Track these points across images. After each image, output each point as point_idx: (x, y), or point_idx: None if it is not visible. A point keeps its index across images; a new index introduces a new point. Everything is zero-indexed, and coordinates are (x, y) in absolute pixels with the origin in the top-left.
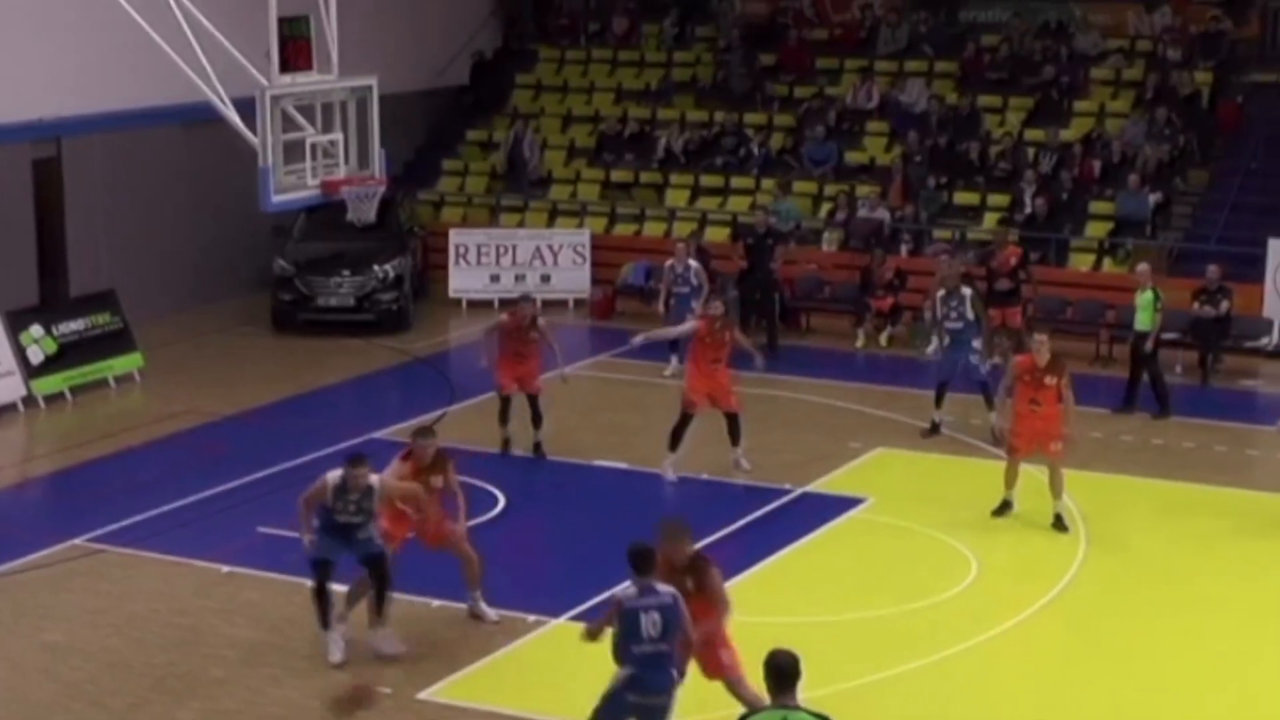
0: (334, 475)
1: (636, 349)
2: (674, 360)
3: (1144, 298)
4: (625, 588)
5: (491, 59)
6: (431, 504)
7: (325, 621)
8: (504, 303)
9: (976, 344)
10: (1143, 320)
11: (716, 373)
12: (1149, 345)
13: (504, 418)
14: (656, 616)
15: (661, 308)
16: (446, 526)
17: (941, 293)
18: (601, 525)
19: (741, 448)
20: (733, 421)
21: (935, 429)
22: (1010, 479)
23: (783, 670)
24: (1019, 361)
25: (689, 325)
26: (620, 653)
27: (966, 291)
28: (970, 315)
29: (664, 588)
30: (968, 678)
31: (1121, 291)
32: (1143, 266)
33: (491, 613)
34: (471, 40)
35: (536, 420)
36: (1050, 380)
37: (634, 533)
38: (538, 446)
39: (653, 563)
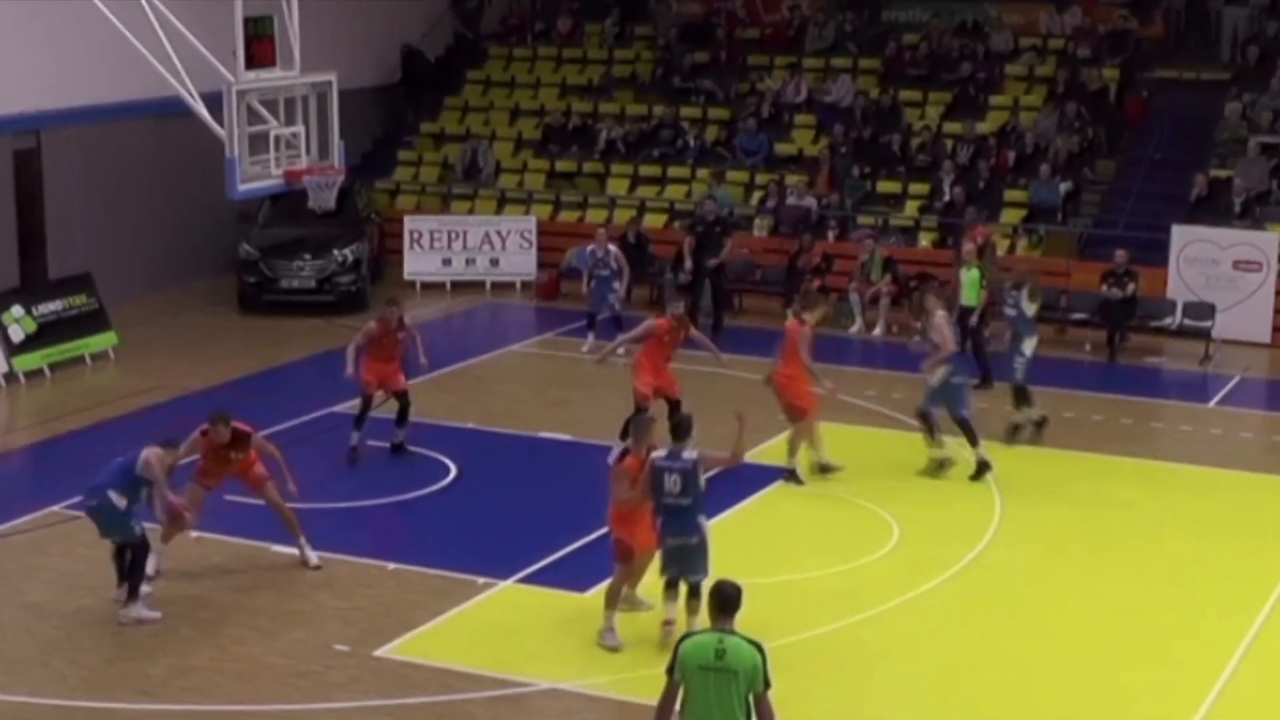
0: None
1: (607, 353)
2: (590, 337)
3: (970, 275)
4: (659, 451)
5: (442, 55)
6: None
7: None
8: (455, 285)
9: (1027, 348)
10: (969, 296)
11: (665, 369)
12: (974, 319)
13: (360, 422)
14: (678, 477)
15: (585, 287)
16: (257, 471)
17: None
18: (546, 493)
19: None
20: (674, 409)
21: (1043, 423)
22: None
23: (726, 598)
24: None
25: (650, 323)
26: (655, 504)
27: (1028, 283)
28: (1026, 305)
29: (688, 454)
30: (891, 636)
31: (1046, 275)
32: (968, 246)
33: (314, 557)
34: (425, 39)
35: (402, 418)
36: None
37: (576, 499)
38: (399, 447)
39: (688, 431)
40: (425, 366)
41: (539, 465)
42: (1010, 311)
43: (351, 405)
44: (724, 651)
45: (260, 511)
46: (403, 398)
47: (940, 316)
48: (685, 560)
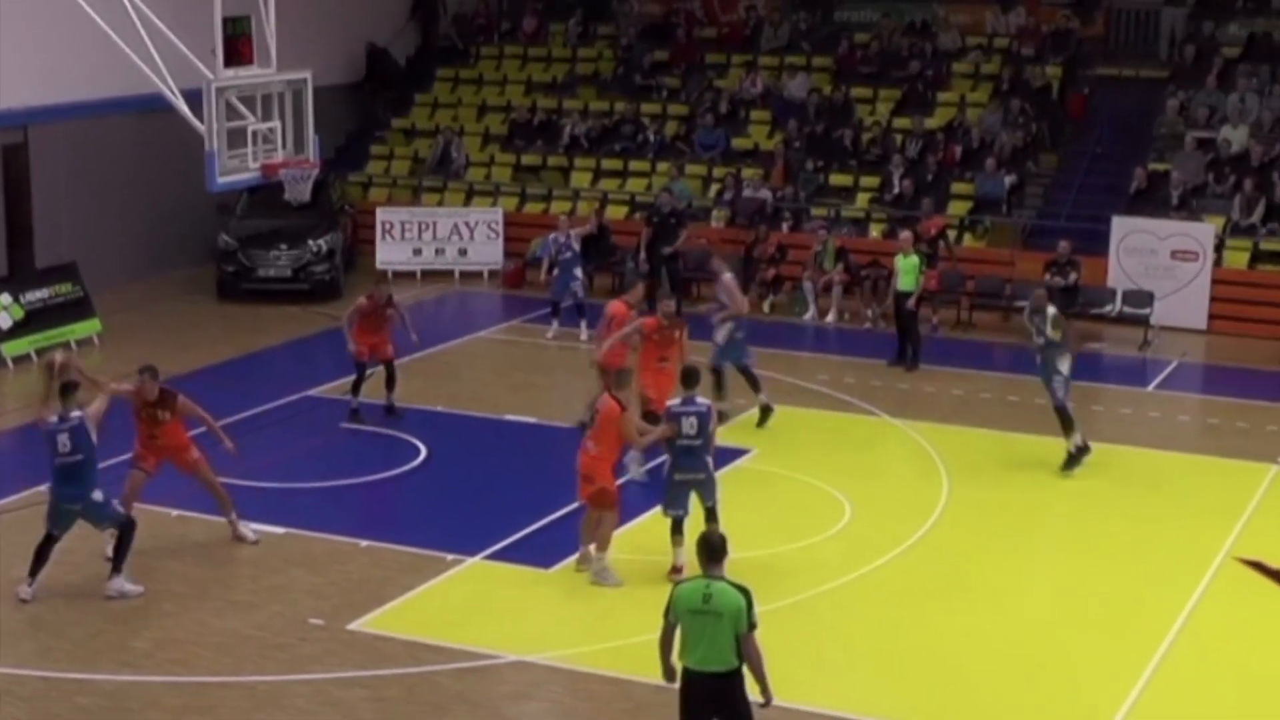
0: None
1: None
2: (554, 324)
3: (907, 262)
4: (674, 400)
5: (412, 54)
6: (165, 433)
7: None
8: (425, 274)
9: (1063, 367)
10: (906, 282)
11: (665, 371)
12: (911, 304)
13: (357, 388)
14: (694, 419)
15: (544, 275)
16: (188, 456)
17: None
18: (512, 473)
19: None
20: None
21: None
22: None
23: (712, 546)
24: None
25: (637, 322)
26: (670, 445)
27: (1051, 310)
28: (1051, 333)
29: (702, 400)
30: (842, 610)
31: (978, 264)
32: (905, 234)
33: (250, 532)
34: (396, 39)
35: (390, 383)
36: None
37: (541, 479)
38: (390, 409)
39: (698, 380)
40: (416, 344)
41: (505, 447)
42: (1039, 339)
43: (331, 387)
44: (710, 596)
45: (239, 492)
46: (389, 365)
47: (727, 278)
48: (700, 490)
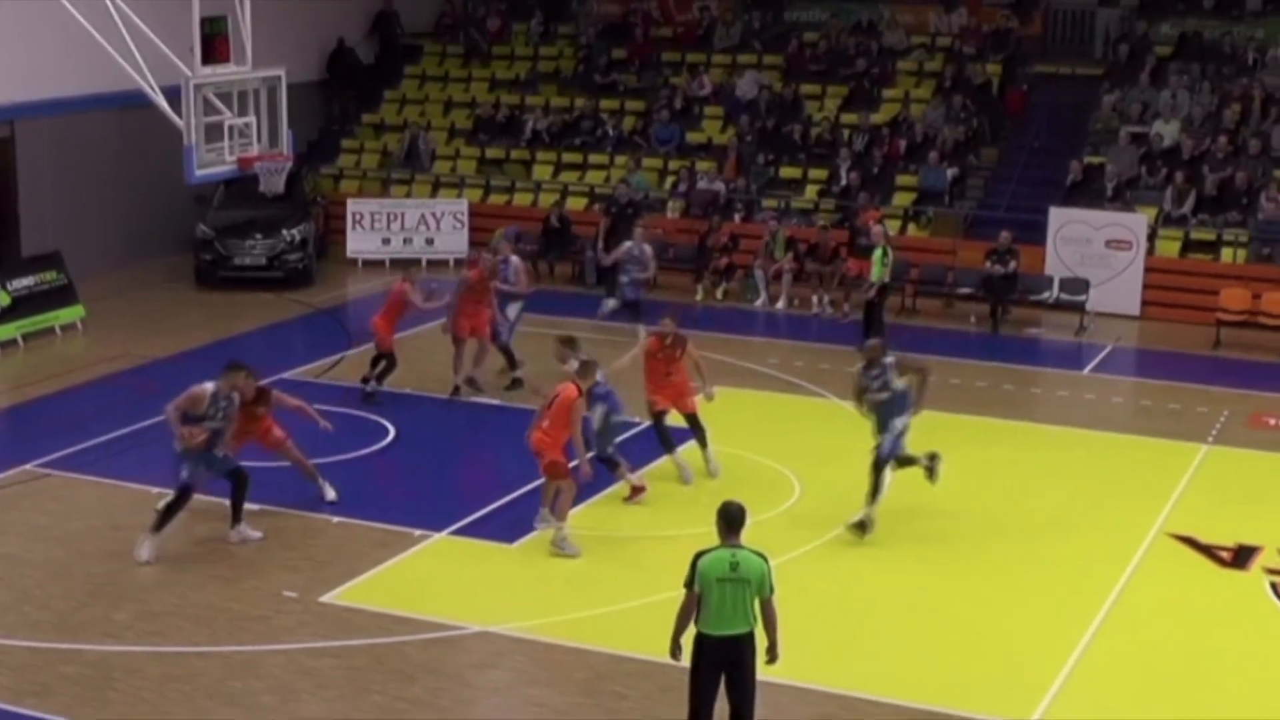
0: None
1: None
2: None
3: (876, 254)
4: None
5: (379, 53)
6: (259, 426)
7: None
8: (394, 262)
9: (898, 422)
10: (875, 272)
11: (670, 383)
12: (873, 293)
13: (458, 365)
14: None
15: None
16: (273, 437)
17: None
18: (477, 453)
19: (710, 450)
20: (693, 422)
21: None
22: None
23: (732, 516)
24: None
25: (643, 342)
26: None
27: (889, 359)
28: (897, 383)
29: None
30: (793, 583)
31: (922, 253)
32: (876, 228)
33: (331, 492)
34: (365, 38)
35: (477, 361)
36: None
37: (506, 460)
38: (471, 383)
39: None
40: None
41: (470, 427)
42: (882, 395)
43: (299, 372)
44: (738, 564)
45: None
46: (484, 345)
47: (515, 260)
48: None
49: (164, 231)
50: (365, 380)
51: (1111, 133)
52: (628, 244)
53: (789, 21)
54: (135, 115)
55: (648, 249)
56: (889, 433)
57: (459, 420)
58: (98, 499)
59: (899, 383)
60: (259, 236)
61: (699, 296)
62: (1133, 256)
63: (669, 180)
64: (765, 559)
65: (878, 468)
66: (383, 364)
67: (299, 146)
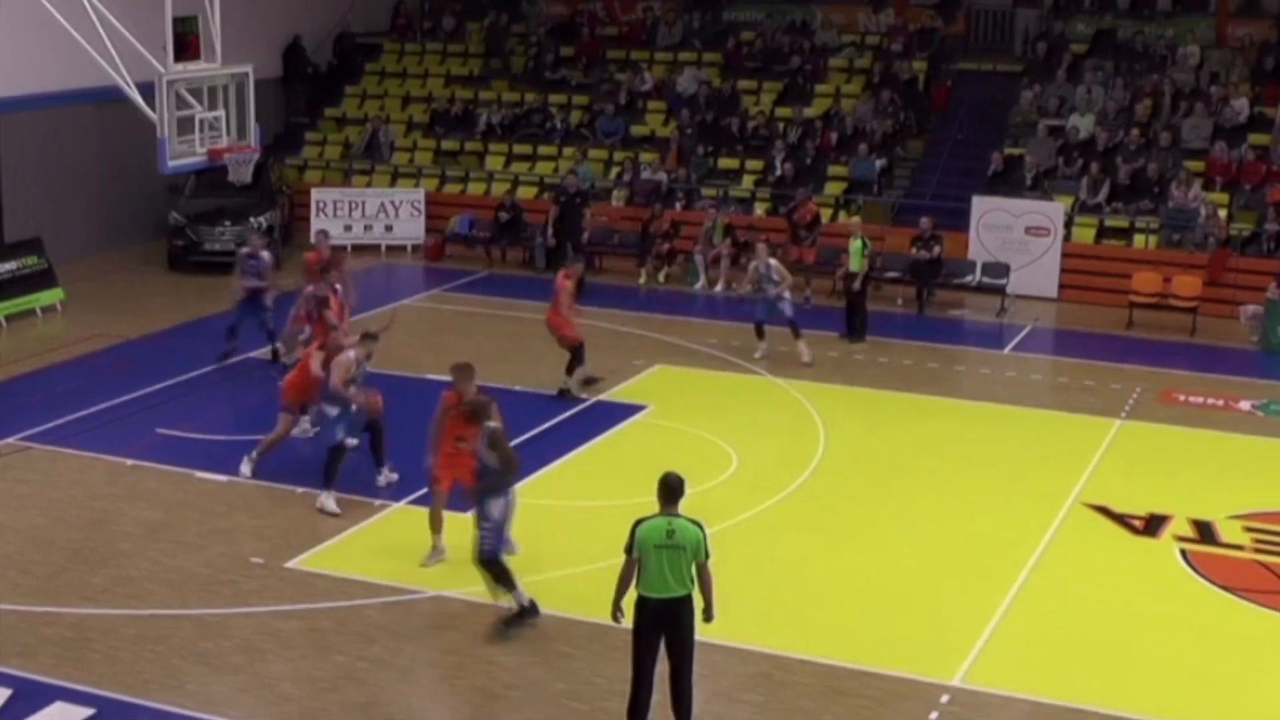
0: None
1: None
2: (761, 345)
3: (854, 245)
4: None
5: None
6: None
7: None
8: (355, 248)
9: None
10: (854, 263)
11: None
12: (857, 284)
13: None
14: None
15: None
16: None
17: (753, 264)
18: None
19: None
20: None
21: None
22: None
23: (671, 487)
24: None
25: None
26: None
27: (773, 263)
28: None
29: (491, 424)
30: (731, 550)
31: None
32: (854, 220)
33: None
34: (328, 36)
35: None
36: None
37: None
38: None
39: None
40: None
41: (425, 403)
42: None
43: (264, 352)
44: (674, 531)
45: (190, 445)
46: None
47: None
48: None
49: (139, 219)
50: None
51: (1030, 126)
52: (753, 263)
53: (727, 21)
54: (112, 109)
55: (773, 263)
56: (486, 521)
57: (415, 397)
58: (76, 470)
59: (490, 457)
60: (228, 223)
61: (642, 280)
62: (1050, 242)
63: (614, 170)
64: (701, 527)
65: (487, 565)
66: (569, 358)
67: (265, 139)
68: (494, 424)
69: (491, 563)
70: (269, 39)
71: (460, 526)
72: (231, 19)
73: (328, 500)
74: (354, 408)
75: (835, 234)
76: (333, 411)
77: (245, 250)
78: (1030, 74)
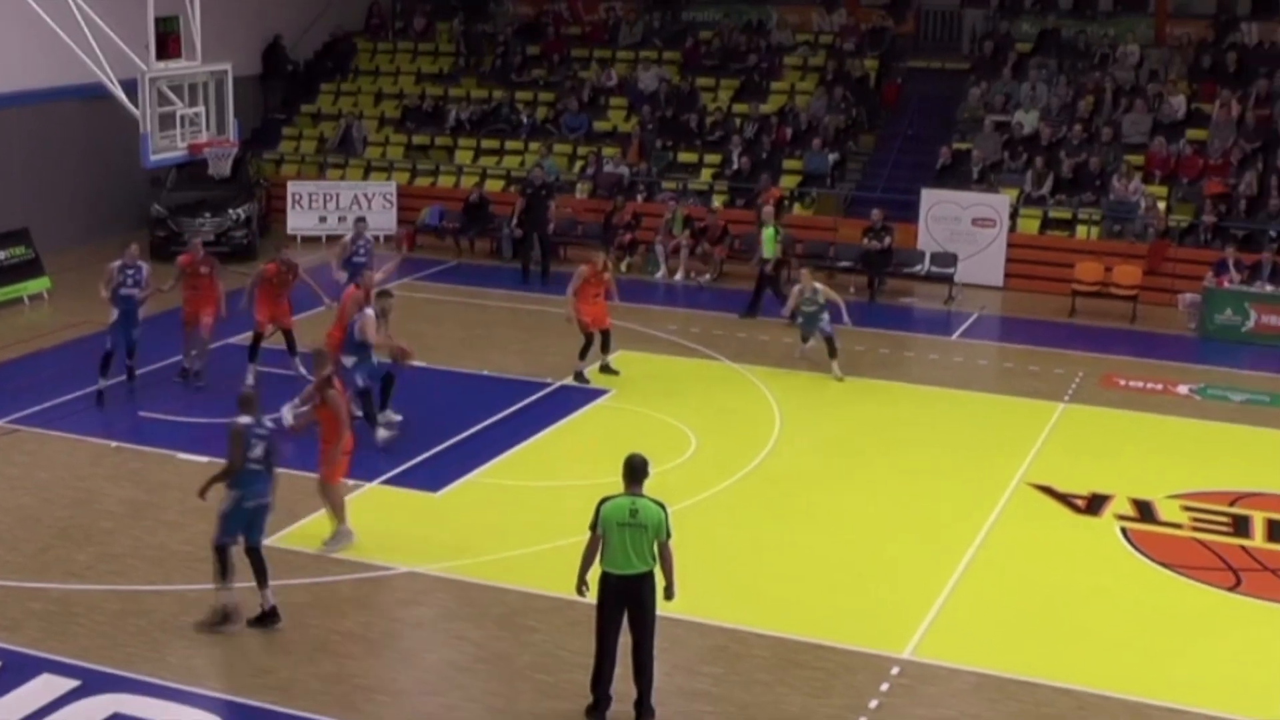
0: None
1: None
2: (802, 346)
3: (767, 232)
4: (242, 418)
5: (320, 49)
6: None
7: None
8: (329, 238)
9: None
10: (767, 249)
11: (598, 303)
12: (769, 267)
13: (253, 354)
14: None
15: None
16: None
17: (797, 287)
18: (403, 410)
19: (611, 355)
20: (607, 337)
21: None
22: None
23: (635, 468)
24: (585, 268)
25: (581, 269)
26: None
27: (819, 286)
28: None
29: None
30: (690, 527)
31: (806, 229)
32: (766, 208)
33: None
34: (304, 36)
35: (291, 349)
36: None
37: (429, 415)
38: (602, 367)
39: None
40: (328, 306)
41: (399, 387)
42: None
43: (243, 338)
44: (636, 511)
45: (169, 428)
46: (289, 333)
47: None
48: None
49: (122, 210)
50: (605, 368)
51: (977, 121)
52: (797, 286)
53: (686, 21)
54: (96, 106)
55: (819, 286)
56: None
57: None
58: (63, 452)
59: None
60: (208, 215)
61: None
62: (996, 233)
63: (578, 164)
64: (663, 507)
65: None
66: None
67: (244, 134)
68: (235, 421)
69: (216, 550)
70: (249, 38)
71: (425, 504)
72: (211, 18)
73: (381, 433)
74: (373, 359)
75: (786, 224)
76: (350, 361)
77: (120, 262)
78: (977, 72)
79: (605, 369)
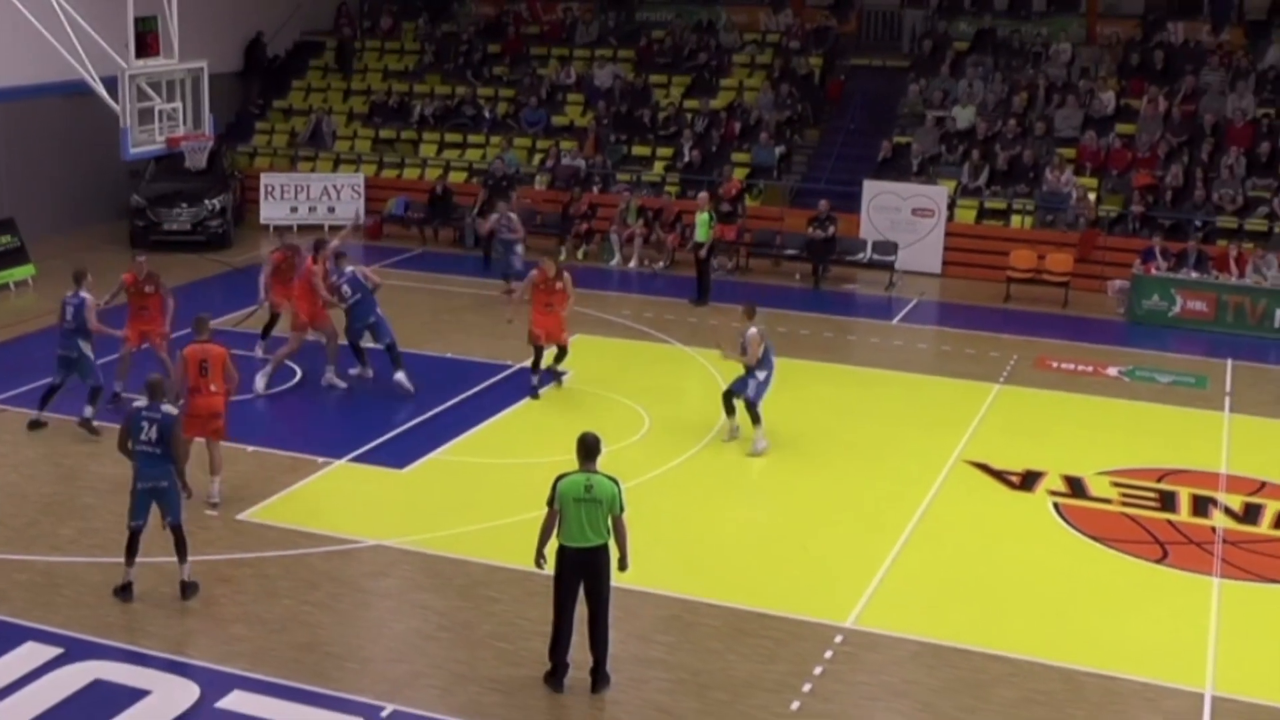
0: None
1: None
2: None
3: (701, 218)
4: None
5: (292, 47)
6: None
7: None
8: (300, 227)
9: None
10: (701, 234)
11: (550, 314)
12: (703, 252)
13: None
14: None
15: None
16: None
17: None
18: (370, 392)
19: (564, 369)
20: (563, 353)
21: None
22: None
23: (589, 445)
24: (535, 274)
25: (530, 275)
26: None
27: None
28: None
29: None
30: (643, 503)
31: (754, 219)
32: (701, 195)
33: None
34: (278, 33)
35: (537, 365)
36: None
37: (394, 396)
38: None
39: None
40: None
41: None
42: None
43: (221, 321)
44: (591, 486)
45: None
46: (276, 316)
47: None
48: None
49: (103, 201)
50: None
51: (917, 116)
52: (494, 215)
53: (640, 21)
54: (79, 101)
55: (514, 216)
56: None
57: (354, 363)
58: (47, 432)
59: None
60: (185, 205)
61: (562, 257)
62: (935, 223)
63: (537, 157)
64: (616, 482)
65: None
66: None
67: (219, 128)
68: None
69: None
70: (225, 36)
71: (391, 480)
72: (189, 17)
73: (402, 378)
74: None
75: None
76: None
77: (69, 294)
78: (917, 69)
79: (550, 371)
